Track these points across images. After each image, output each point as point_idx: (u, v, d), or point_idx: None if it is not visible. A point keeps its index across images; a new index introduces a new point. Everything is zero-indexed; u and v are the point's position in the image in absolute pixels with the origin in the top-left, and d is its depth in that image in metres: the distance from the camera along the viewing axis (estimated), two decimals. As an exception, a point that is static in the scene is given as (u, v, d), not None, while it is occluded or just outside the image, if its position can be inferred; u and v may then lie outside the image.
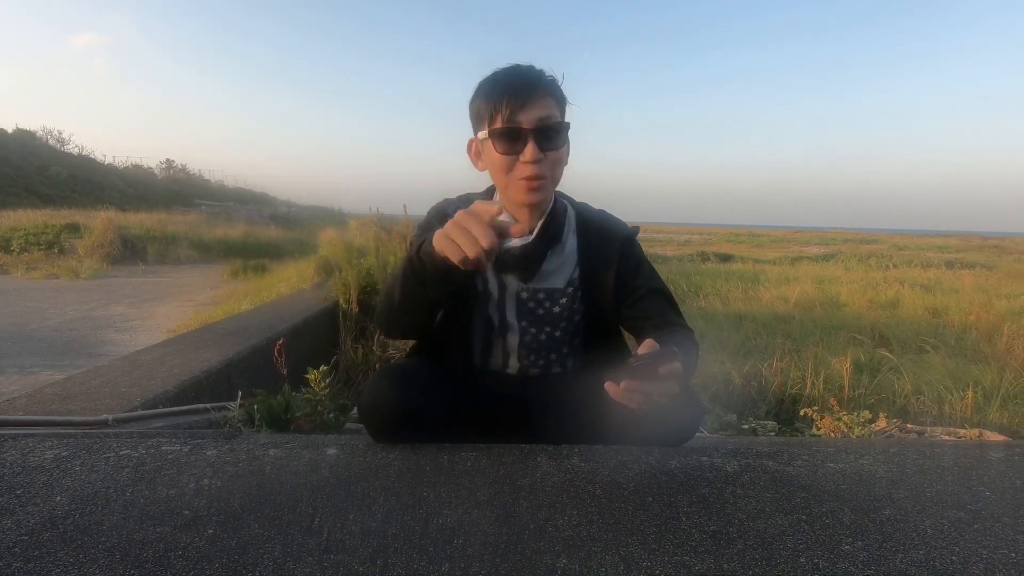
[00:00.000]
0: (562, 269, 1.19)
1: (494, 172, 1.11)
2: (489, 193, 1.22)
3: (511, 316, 1.19)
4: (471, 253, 0.84)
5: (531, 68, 1.08)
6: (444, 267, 0.90)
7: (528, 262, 1.15)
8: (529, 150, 1.03)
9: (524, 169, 1.05)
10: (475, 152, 1.15)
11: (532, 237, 1.13)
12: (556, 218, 1.16)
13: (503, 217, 0.89)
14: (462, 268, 0.88)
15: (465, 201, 1.21)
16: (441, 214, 1.20)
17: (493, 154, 1.07)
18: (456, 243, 0.85)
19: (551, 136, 1.06)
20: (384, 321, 1.12)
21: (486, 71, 1.10)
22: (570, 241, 1.20)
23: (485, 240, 0.83)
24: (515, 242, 1.12)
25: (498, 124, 1.04)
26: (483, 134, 1.07)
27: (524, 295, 1.18)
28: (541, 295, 1.18)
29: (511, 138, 1.04)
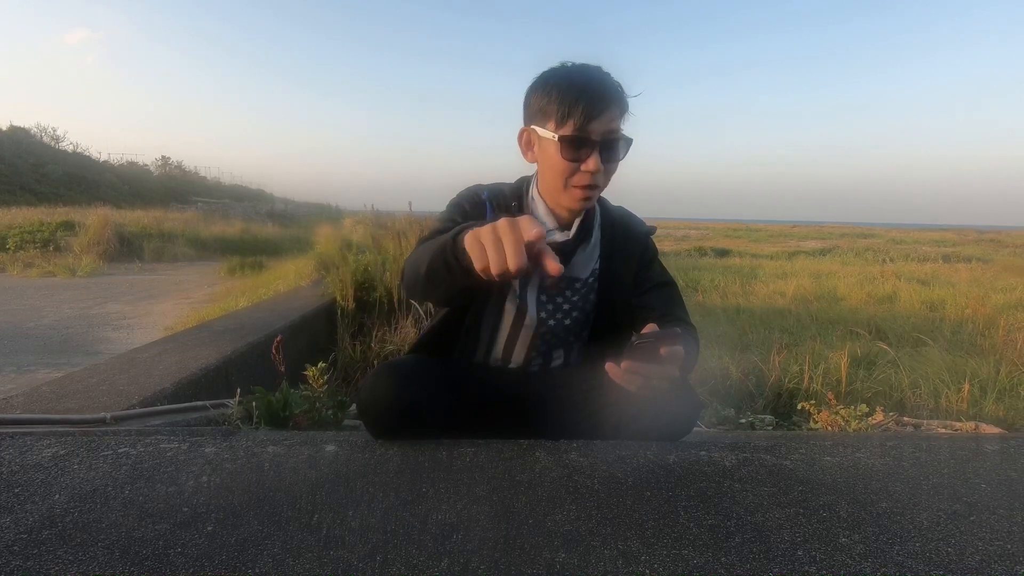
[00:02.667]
0: (587, 260, 1.19)
1: (549, 172, 1.09)
2: (521, 184, 1.21)
3: (531, 304, 1.18)
4: (495, 269, 0.77)
5: (604, 74, 1.06)
6: (471, 265, 0.83)
7: (562, 256, 1.15)
8: (593, 161, 1.03)
9: (583, 178, 1.05)
10: (526, 143, 1.13)
11: (571, 234, 1.14)
12: (589, 214, 1.17)
13: (541, 230, 0.79)
14: (482, 275, 0.81)
15: (497, 191, 1.20)
16: (473, 198, 1.20)
17: (555, 156, 1.05)
18: (485, 251, 0.78)
19: (615, 149, 1.06)
20: (409, 286, 1.07)
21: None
22: (595, 234, 1.21)
23: (514, 262, 0.75)
24: (556, 236, 1.13)
25: (568, 130, 1.02)
26: (547, 133, 1.05)
27: (548, 282, 1.18)
28: (563, 284, 1.18)
29: (578, 146, 1.03)
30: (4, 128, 28.74)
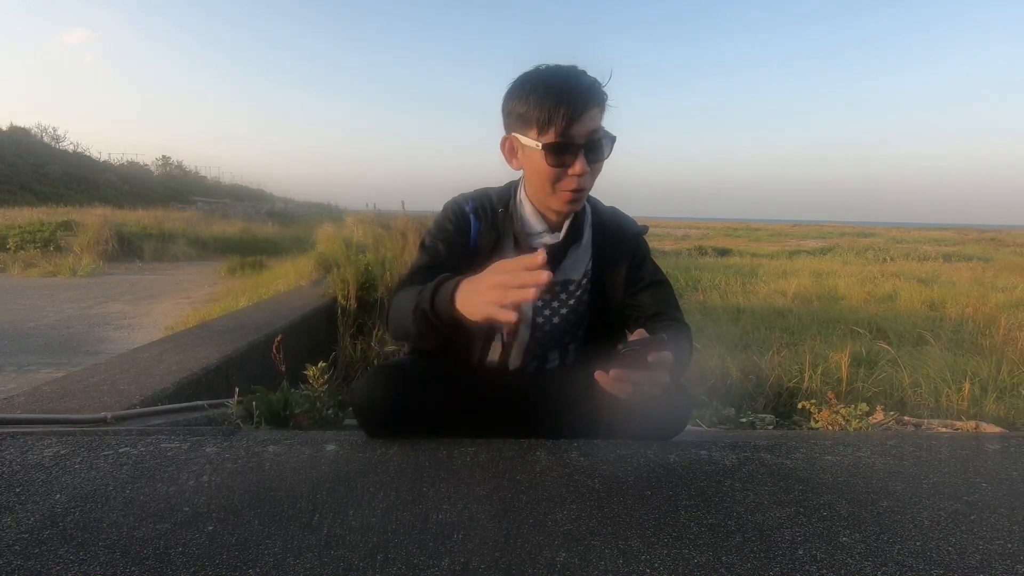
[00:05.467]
0: (579, 261, 1.19)
1: (536, 179, 1.09)
2: (509, 188, 1.21)
3: (525, 306, 1.17)
4: (506, 316, 0.80)
5: (581, 74, 1.05)
6: (459, 320, 0.88)
7: (554, 258, 1.15)
8: (579, 165, 1.03)
9: (570, 182, 1.05)
10: (510, 150, 1.12)
11: (560, 236, 1.14)
12: (579, 215, 1.17)
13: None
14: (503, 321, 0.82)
15: (483, 199, 1.20)
16: (457, 212, 1.20)
17: (540, 163, 1.05)
18: (488, 302, 0.81)
19: (599, 149, 1.05)
20: (399, 336, 1.11)
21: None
22: (586, 235, 1.21)
23: (526, 297, 0.78)
24: (546, 239, 1.15)
25: (551, 137, 1.02)
26: (530, 141, 1.04)
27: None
28: (557, 287, 1.18)
29: (563, 151, 1.03)
30: (4, 128, 28.75)
